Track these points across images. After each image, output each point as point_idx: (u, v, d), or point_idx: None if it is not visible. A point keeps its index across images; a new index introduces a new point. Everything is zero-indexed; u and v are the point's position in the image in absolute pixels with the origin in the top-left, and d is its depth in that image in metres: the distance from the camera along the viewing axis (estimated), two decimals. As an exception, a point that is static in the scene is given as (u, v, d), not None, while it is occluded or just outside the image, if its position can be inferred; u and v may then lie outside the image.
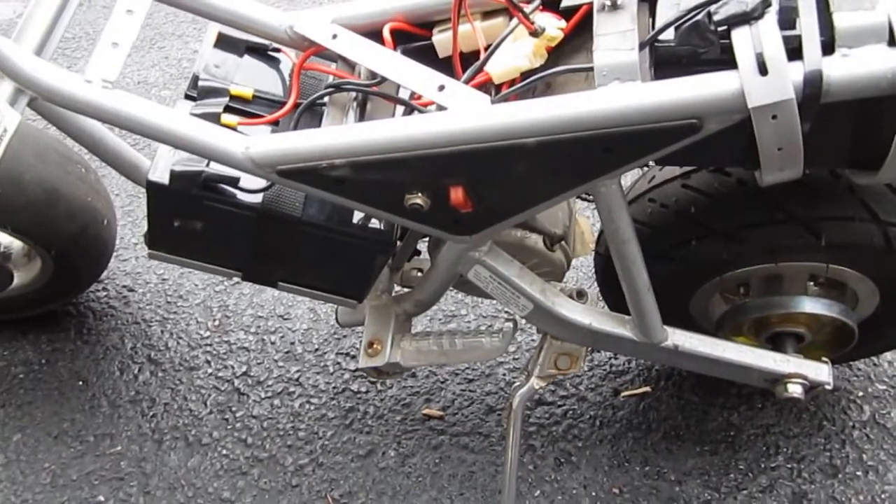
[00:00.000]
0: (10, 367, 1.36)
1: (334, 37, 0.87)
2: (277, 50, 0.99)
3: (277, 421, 1.26)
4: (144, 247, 1.00)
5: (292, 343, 1.37)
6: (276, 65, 0.99)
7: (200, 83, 0.93)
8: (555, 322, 0.93)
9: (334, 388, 1.30)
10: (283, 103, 0.92)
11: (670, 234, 0.94)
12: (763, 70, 0.63)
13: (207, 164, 0.88)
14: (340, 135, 0.78)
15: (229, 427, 1.26)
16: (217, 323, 1.41)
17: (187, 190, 0.88)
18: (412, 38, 0.89)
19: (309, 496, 1.16)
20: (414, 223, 0.83)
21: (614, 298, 1.03)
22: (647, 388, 1.24)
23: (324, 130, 0.83)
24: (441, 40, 0.87)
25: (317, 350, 1.36)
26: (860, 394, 1.21)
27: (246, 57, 0.98)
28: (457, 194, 0.78)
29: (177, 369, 1.35)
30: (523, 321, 0.97)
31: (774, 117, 0.64)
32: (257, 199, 0.90)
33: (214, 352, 1.37)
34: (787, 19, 0.65)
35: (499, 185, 0.77)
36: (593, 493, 1.13)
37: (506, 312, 1.35)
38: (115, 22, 0.84)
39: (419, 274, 1.08)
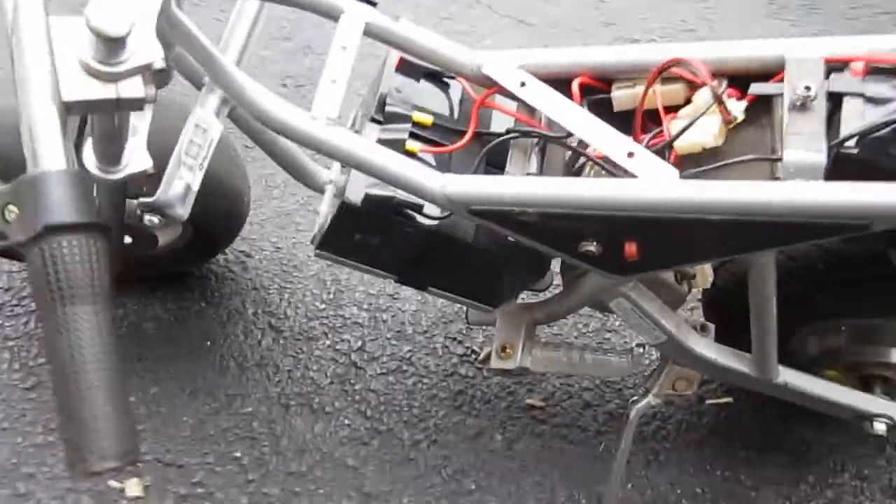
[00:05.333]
0: (142, 323, 1.49)
1: (522, 84, 0.96)
2: (452, 77, 1.07)
3: (393, 397, 1.39)
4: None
5: (402, 323, 1.49)
6: (450, 91, 1.07)
7: (387, 108, 1.02)
8: (683, 353, 1.05)
9: (444, 370, 1.43)
10: (460, 132, 1.02)
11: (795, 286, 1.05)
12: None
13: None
14: (536, 186, 0.88)
15: (349, 399, 1.39)
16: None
17: (376, 211, 0.98)
18: (591, 90, 0.98)
19: (426, 470, 1.30)
20: (582, 264, 0.94)
21: (719, 327, 1.15)
22: (730, 399, 1.37)
23: (520, 180, 0.92)
24: (619, 97, 0.96)
25: (426, 332, 1.48)
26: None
27: (423, 81, 1.07)
28: (630, 248, 0.88)
29: (297, 338, 1.47)
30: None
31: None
32: (435, 223, 1.00)
33: (330, 324, 1.50)
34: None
35: (671, 245, 0.88)
36: (679, 491, 1.27)
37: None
38: (332, 60, 0.92)
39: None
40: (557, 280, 1.15)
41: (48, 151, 0.67)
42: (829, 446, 1.32)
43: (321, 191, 1.19)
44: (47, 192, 0.65)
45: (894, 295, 1.00)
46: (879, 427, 1.11)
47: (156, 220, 0.96)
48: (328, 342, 1.47)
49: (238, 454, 1.32)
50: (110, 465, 0.63)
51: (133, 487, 1.28)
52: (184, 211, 0.95)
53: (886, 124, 0.76)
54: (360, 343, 1.46)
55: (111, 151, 0.91)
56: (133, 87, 0.75)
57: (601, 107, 0.97)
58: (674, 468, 1.30)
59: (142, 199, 0.94)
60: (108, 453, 0.63)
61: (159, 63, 0.75)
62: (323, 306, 1.52)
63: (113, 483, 1.29)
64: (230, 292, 1.55)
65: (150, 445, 1.33)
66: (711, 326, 1.08)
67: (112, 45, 0.71)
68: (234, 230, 1.42)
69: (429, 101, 1.05)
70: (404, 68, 1.05)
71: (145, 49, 0.74)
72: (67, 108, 0.71)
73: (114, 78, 0.73)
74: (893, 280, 0.99)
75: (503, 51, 1.00)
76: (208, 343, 1.47)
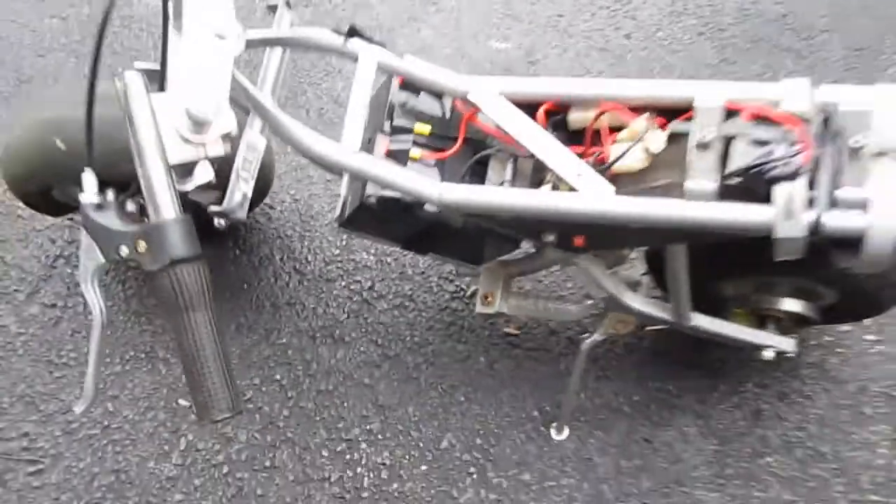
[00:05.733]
0: (188, 267, 1.80)
1: (500, 108, 1.23)
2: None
3: (398, 328, 1.74)
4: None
5: (404, 265, 1.82)
6: (443, 101, 1.33)
7: (394, 122, 1.29)
8: (620, 305, 1.38)
9: (438, 305, 1.77)
10: (452, 139, 1.30)
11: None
12: (789, 214, 1.04)
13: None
14: (510, 197, 1.18)
15: (363, 330, 1.74)
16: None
17: (388, 207, 1.27)
18: (554, 113, 1.25)
19: (426, 386, 1.67)
20: (545, 247, 1.26)
21: (657, 278, 1.48)
22: (665, 326, 1.72)
23: (497, 191, 1.21)
24: (573, 119, 1.24)
25: (423, 273, 1.81)
26: (811, 341, 1.71)
27: (422, 95, 1.33)
28: (578, 240, 1.20)
29: (318, 280, 1.80)
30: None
31: (789, 241, 1.05)
32: (434, 211, 1.29)
33: (345, 268, 1.82)
34: (811, 181, 1.04)
35: (608, 238, 1.19)
36: (621, 399, 1.65)
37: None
38: (353, 98, 1.19)
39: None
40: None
41: (164, 204, 0.97)
42: (738, 363, 1.69)
43: (339, 174, 1.47)
44: (169, 235, 0.95)
45: (786, 263, 1.32)
46: (768, 354, 1.47)
47: (223, 222, 1.26)
48: (344, 283, 1.80)
49: (278, 377, 1.68)
50: (225, 416, 0.97)
51: (198, 403, 1.64)
52: (243, 214, 1.25)
53: (760, 164, 1.06)
54: (370, 283, 1.79)
55: (186, 171, 1.20)
56: (217, 148, 1.04)
57: (561, 125, 1.26)
58: (618, 381, 1.67)
59: (212, 208, 1.23)
60: (223, 408, 0.97)
61: (235, 130, 1.03)
62: (337, 251, 1.84)
63: (182, 401, 1.65)
64: (259, 241, 1.86)
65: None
66: (644, 282, 1.42)
67: (203, 125, 0.99)
68: (266, 192, 1.70)
69: (427, 109, 1.32)
70: (406, 86, 1.32)
71: (225, 120, 1.02)
72: (172, 168, 1.00)
73: (203, 143, 1.02)
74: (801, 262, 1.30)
75: (486, 77, 1.27)
76: (245, 286, 1.79)
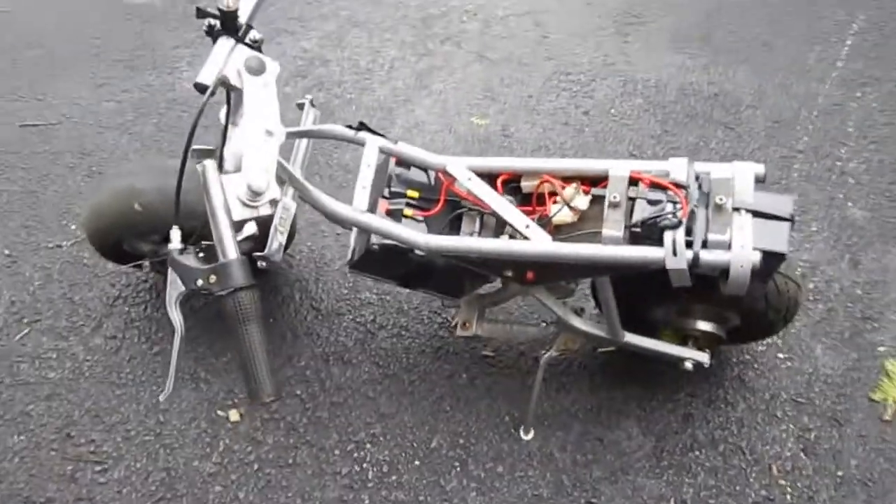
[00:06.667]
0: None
1: (469, 179, 1.66)
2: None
3: (396, 352, 2.13)
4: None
5: (400, 302, 2.23)
6: (428, 174, 1.76)
7: (392, 188, 1.71)
8: (568, 327, 1.78)
9: (428, 333, 2.17)
10: (434, 201, 1.72)
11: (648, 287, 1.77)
12: (674, 252, 1.45)
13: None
14: (479, 243, 1.59)
15: (367, 354, 2.13)
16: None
17: (387, 253, 1.68)
18: (510, 181, 1.68)
19: (418, 398, 2.05)
20: (506, 281, 1.66)
21: (599, 304, 1.89)
22: (613, 349, 2.12)
23: (470, 239, 1.62)
24: (524, 186, 1.67)
25: (416, 308, 2.21)
26: (733, 359, 2.11)
27: (412, 169, 1.76)
28: (530, 275, 1.61)
29: (330, 314, 2.20)
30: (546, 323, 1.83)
31: (677, 272, 1.46)
32: (423, 254, 1.70)
33: (352, 304, 2.23)
34: (689, 229, 1.46)
35: (552, 273, 1.60)
36: (576, 407, 2.04)
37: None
38: (362, 172, 1.61)
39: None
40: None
41: (229, 248, 1.37)
42: (673, 376, 2.08)
43: (350, 229, 1.89)
44: (232, 270, 1.36)
45: (699, 295, 1.71)
46: (688, 365, 1.87)
47: (264, 264, 1.67)
48: (351, 317, 2.20)
49: (298, 392, 2.07)
50: (270, 399, 1.36)
51: (234, 415, 2.03)
52: (279, 257, 1.66)
53: (653, 217, 1.48)
54: (372, 317, 2.20)
55: (238, 226, 1.61)
56: (267, 209, 1.45)
57: (515, 190, 1.68)
58: (574, 392, 2.06)
59: (256, 254, 1.64)
60: (269, 392, 1.36)
61: (278, 197, 1.45)
62: (346, 291, 2.25)
63: (220, 412, 2.03)
64: (282, 283, 2.26)
65: (242, 388, 2.06)
66: (587, 309, 1.82)
67: (259, 194, 1.41)
68: (291, 241, 2.12)
69: (416, 179, 1.74)
70: (399, 163, 1.75)
71: (273, 190, 1.44)
72: (235, 224, 1.41)
73: (257, 206, 1.44)
74: (705, 292, 1.69)
75: (459, 157, 1.70)
76: (271, 320, 2.19)
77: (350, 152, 2.56)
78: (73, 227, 2.40)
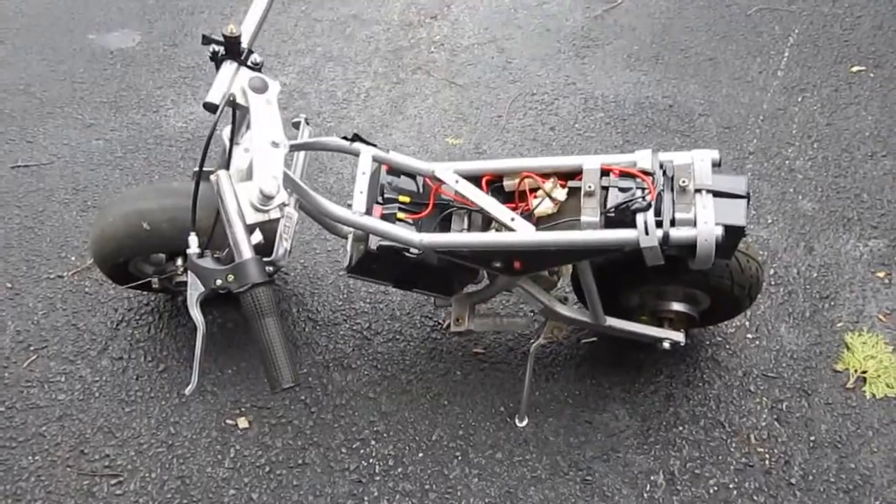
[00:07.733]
0: (226, 323, 2.31)
1: (457, 181, 1.82)
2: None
3: (392, 355, 2.25)
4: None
5: (393, 309, 2.36)
6: (416, 180, 1.91)
7: (385, 195, 1.86)
8: (553, 314, 1.93)
9: (422, 336, 2.30)
10: (424, 205, 1.87)
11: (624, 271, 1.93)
12: (647, 232, 1.62)
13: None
14: (470, 239, 1.74)
15: (365, 359, 2.25)
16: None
17: (384, 253, 1.82)
18: (494, 181, 1.84)
19: (416, 396, 2.17)
20: (493, 273, 1.81)
21: (580, 295, 2.05)
22: (595, 339, 2.27)
23: (461, 234, 1.78)
24: (507, 185, 1.83)
25: (409, 313, 2.35)
26: (706, 342, 2.27)
27: (402, 176, 1.91)
28: (517, 264, 1.76)
29: (327, 324, 2.32)
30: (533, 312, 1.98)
31: (650, 250, 1.63)
32: (416, 255, 1.84)
33: (347, 314, 2.35)
34: (658, 210, 1.63)
35: (538, 260, 1.75)
36: (565, 394, 2.18)
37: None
38: (358, 179, 1.76)
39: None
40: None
41: (245, 249, 1.50)
42: (653, 361, 2.23)
43: (344, 238, 2.03)
44: (249, 269, 1.48)
45: (671, 275, 1.87)
46: (666, 345, 2.03)
47: (271, 268, 1.79)
48: (347, 325, 2.32)
49: (303, 397, 2.17)
50: (290, 385, 1.47)
51: (242, 422, 2.12)
52: (285, 263, 1.79)
53: (626, 202, 1.64)
54: (367, 324, 2.32)
55: (245, 235, 1.74)
56: (276, 213, 1.59)
57: (498, 189, 1.85)
58: (563, 380, 2.20)
59: (264, 259, 1.77)
60: (288, 380, 1.47)
61: (287, 201, 1.59)
62: (340, 302, 2.38)
63: (229, 421, 2.12)
64: (279, 299, 2.38)
65: (248, 397, 2.16)
66: (570, 297, 1.97)
67: (269, 198, 1.55)
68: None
69: (406, 186, 1.89)
70: (391, 171, 1.90)
71: (281, 194, 1.58)
72: (248, 227, 1.55)
73: (268, 210, 1.57)
74: (669, 270, 1.86)
75: (444, 163, 1.86)
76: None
77: (345, 159, 2.71)
78: (73, 258, 2.49)
